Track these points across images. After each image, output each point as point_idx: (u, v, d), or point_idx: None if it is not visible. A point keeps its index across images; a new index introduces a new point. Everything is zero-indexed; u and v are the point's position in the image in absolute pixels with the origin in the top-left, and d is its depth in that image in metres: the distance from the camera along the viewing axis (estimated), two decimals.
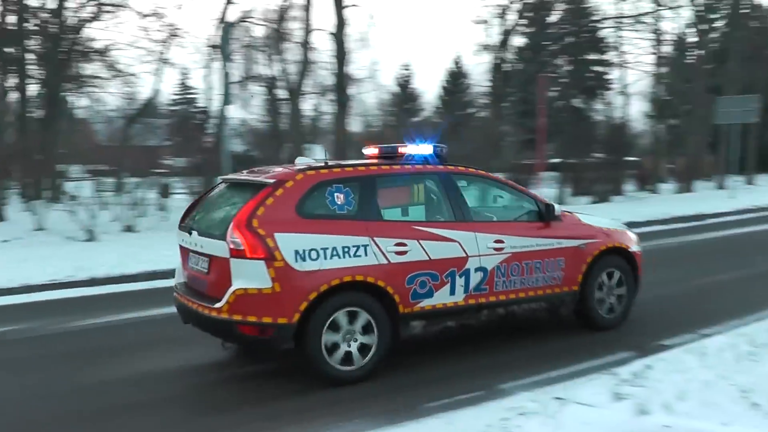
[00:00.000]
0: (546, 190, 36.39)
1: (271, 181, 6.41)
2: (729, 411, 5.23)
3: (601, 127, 38.81)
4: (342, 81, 26.14)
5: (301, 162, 7.01)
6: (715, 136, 38.76)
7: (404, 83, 65.24)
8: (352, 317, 6.42)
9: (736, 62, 36.77)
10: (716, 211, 21.34)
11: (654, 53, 36.73)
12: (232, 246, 6.06)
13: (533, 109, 24.83)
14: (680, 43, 42.49)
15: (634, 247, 8.44)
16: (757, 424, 5.00)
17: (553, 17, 39.60)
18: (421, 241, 6.64)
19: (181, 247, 7.12)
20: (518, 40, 40.26)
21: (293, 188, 6.36)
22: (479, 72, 61.16)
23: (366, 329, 6.48)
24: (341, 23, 25.13)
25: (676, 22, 40.35)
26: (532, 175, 29.20)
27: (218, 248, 6.22)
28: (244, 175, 7.01)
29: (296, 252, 6.08)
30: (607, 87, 44.17)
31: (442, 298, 6.82)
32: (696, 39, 40.03)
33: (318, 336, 6.26)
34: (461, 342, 7.87)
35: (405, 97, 63.35)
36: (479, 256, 7.00)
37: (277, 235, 6.06)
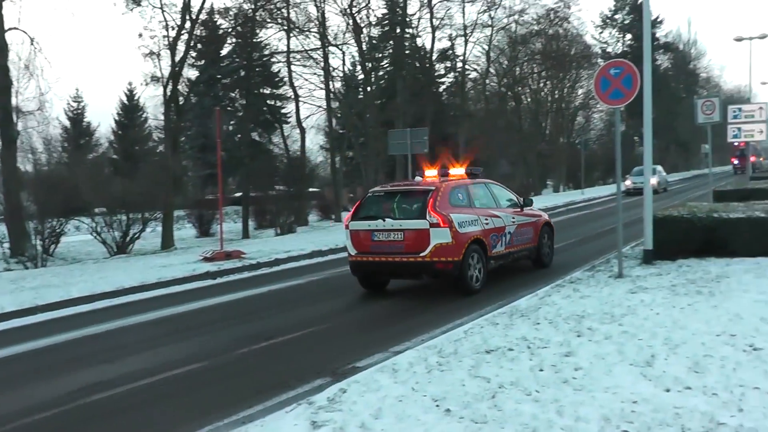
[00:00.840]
0: (231, 224, 36.35)
1: (433, 187, 12.09)
2: (424, 420, 5.41)
3: (280, 160, 39.71)
4: (8, 114, 23.73)
5: (418, 179, 13.46)
6: (391, 166, 41.53)
7: (76, 116, 61.79)
8: (474, 258, 12.13)
9: (403, 98, 39.71)
10: None
11: (325, 89, 38.34)
12: (431, 221, 11.61)
13: (212, 144, 24.52)
14: (350, 79, 45.14)
15: (551, 221, 15.41)
16: (452, 429, 5.22)
17: (225, 51, 39.80)
18: (491, 218, 12.80)
19: (359, 231, 12.31)
20: (191, 73, 39.99)
21: (444, 190, 12.16)
22: (154, 105, 59.95)
23: (478, 264, 12.22)
24: (2, 48, 22.82)
25: (345, 59, 42.68)
26: (215, 210, 28.80)
27: (418, 224, 11.70)
28: (402, 186, 12.72)
29: (458, 222, 11.83)
30: (284, 120, 45.43)
31: (499, 247, 12.95)
32: (364, 76, 42.80)
33: (467, 267, 11.95)
34: (152, 393, 7.53)
35: (77, 131, 59.97)
36: (508, 225, 13.31)
37: (451, 214, 11.78)
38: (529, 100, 57.52)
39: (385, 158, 39.96)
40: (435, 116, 45.56)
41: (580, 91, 61.42)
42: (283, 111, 46.85)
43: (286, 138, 43.22)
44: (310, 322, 10.49)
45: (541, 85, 57.71)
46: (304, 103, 39.58)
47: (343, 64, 45.53)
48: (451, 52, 48.91)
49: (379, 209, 12.37)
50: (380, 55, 45.72)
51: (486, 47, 49.38)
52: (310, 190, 40.19)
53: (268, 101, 45.10)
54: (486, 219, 12.59)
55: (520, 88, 54.86)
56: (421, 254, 11.64)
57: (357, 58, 43.21)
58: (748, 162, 34.39)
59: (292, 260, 18.22)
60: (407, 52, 43.14)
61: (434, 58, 47.47)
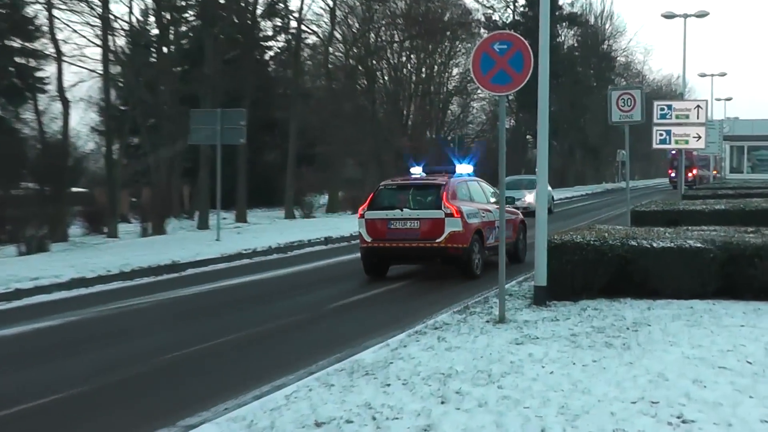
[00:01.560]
0: None
1: (444, 182, 18.72)
2: None
3: (31, 145, 38.25)
4: None
5: (415, 171, 20.01)
6: (194, 161, 40.81)
7: None
8: (476, 247, 18.65)
9: (214, 65, 39.23)
10: (198, 259, 22.66)
11: (102, 46, 37.27)
12: (446, 212, 18.01)
13: None
14: (138, 35, 44.03)
15: (525, 220, 22.06)
16: None
17: None
18: (486, 212, 19.42)
19: (375, 219, 18.47)
20: None
21: (452, 185, 18.83)
22: None
23: (478, 253, 18.83)
24: None
25: (132, 5, 41.63)
26: None
27: (434, 214, 18.11)
28: (415, 181, 19.48)
29: (466, 214, 18.36)
30: (39, 88, 43.79)
31: (491, 239, 19.17)
32: (159, 31, 42.06)
33: (472, 253, 18.50)
34: None
35: None
36: (497, 219, 17.52)
37: (461, 206, 18.35)
38: (386, 78, 58.07)
39: (185, 149, 39.31)
40: (258, 94, 45.44)
41: (455, 71, 62.86)
42: (38, 74, 45.28)
43: (41, 113, 41.71)
44: (59, 383, 10.10)
45: (404, 59, 58.46)
46: (71, 64, 38.31)
47: (130, 12, 44.19)
48: (282, 6, 48.84)
49: (394, 200, 18.73)
50: (183, 4, 45.05)
51: (330, 3, 49.69)
52: (74, 190, 38.97)
53: (16, 59, 43.49)
54: (483, 213, 19.12)
55: (375, 62, 55.23)
56: (437, 240, 17.90)
57: (150, 6, 42.37)
58: (681, 175, 36.22)
59: (41, 292, 17.62)
60: (221, 1, 42.69)
61: (259, 13, 47.25)
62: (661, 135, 25.17)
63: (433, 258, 18.57)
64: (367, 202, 19.03)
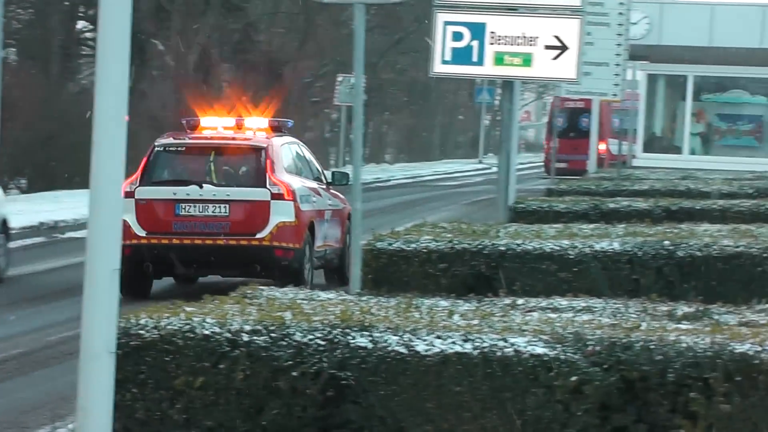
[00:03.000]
0: None
1: (264, 144, 21.73)
2: None
3: None
4: None
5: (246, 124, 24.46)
6: None
7: None
8: (307, 250, 22.71)
9: None
10: None
11: None
12: (273, 191, 20.94)
13: None
14: None
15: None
16: None
17: None
18: (316, 194, 23.88)
19: (154, 201, 19.54)
20: None
21: (277, 148, 22.64)
22: None
23: (309, 260, 23.83)
24: None
25: None
26: None
27: (255, 194, 20.77)
28: (217, 139, 21.08)
29: (300, 196, 21.99)
30: None
31: (319, 240, 23.15)
32: None
33: (305, 260, 22.28)
34: None
35: None
36: (326, 208, 24.10)
37: (292, 183, 22.15)
38: None
39: None
40: None
41: None
42: None
43: None
44: None
45: None
46: None
47: None
48: None
49: (185, 170, 20.31)
50: None
51: None
52: None
53: None
54: (314, 196, 20.69)
55: None
56: (258, 235, 18.97)
57: None
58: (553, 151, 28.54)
59: None
60: None
61: None
62: (456, 39, 16.00)
63: (248, 265, 18.67)
64: (139, 171, 19.10)
